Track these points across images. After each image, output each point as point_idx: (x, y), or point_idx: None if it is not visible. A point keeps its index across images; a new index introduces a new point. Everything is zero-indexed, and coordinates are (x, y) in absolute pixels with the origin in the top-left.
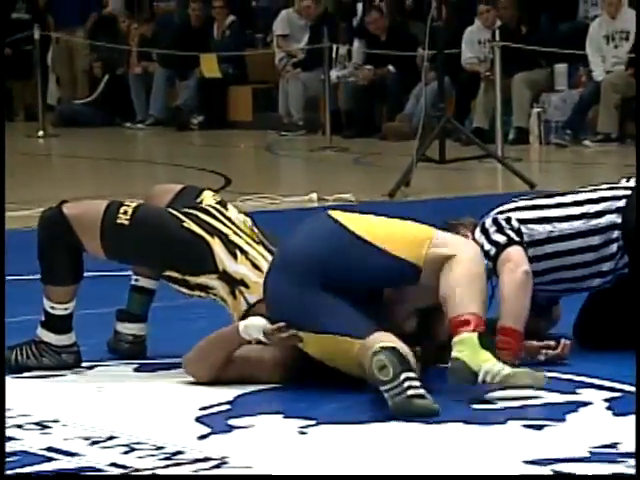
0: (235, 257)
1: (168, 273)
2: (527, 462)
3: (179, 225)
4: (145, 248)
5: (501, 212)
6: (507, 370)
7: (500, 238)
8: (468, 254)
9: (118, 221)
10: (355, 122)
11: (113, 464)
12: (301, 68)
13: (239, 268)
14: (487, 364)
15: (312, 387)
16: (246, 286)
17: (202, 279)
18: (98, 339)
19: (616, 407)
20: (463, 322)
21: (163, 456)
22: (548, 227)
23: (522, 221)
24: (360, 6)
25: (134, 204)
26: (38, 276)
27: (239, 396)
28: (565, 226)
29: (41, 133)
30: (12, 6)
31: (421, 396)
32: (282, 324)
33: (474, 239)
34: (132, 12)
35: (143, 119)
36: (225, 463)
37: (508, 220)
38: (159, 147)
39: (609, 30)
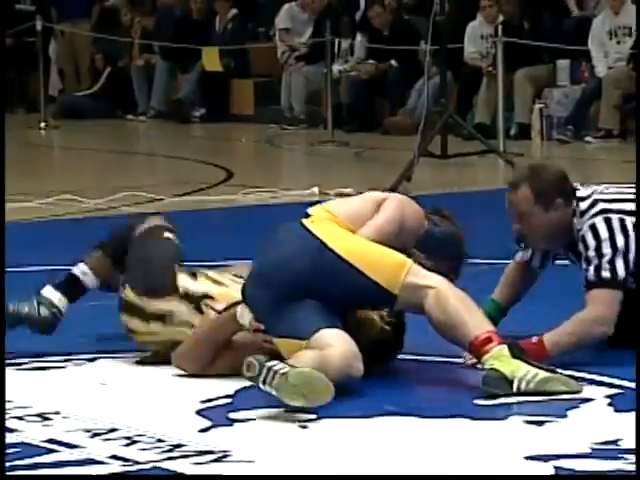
0: (195, 277)
1: (126, 292)
2: (528, 458)
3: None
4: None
5: (609, 209)
6: (541, 375)
7: (606, 267)
8: (446, 284)
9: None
10: (357, 116)
11: (114, 456)
12: (304, 62)
13: (199, 287)
14: (521, 371)
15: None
16: (211, 298)
17: (161, 303)
18: (99, 331)
19: (618, 404)
20: (485, 340)
21: (164, 449)
22: None
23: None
24: (363, 0)
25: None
26: (39, 268)
27: (240, 390)
28: None
29: (43, 125)
30: None
31: (293, 367)
32: (262, 327)
33: (560, 222)
34: (134, 4)
35: (145, 111)
36: (227, 456)
37: (623, 223)
38: (160, 140)
39: (612, 26)
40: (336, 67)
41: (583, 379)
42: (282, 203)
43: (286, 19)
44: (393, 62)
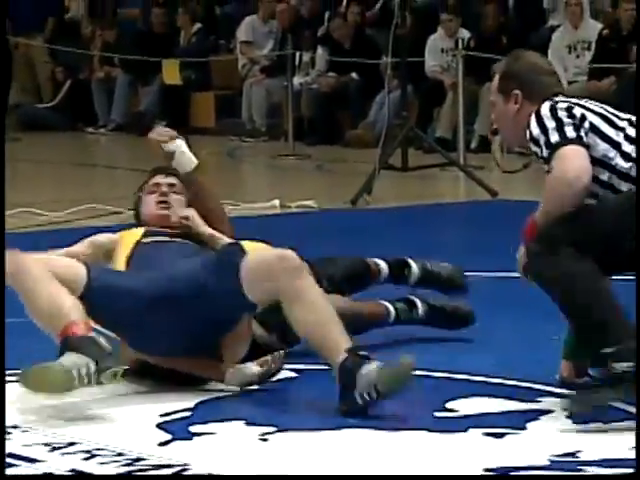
0: None
1: None
2: (488, 470)
3: None
4: None
5: (562, 100)
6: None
7: (554, 134)
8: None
9: None
10: (318, 129)
11: (73, 470)
12: (265, 74)
13: None
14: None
15: (273, 394)
16: None
17: None
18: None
19: (576, 416)
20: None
21: (124, 462)
22: (611, 153)
23: (593, 127)
24: (327, 15)
25: None
26: None
27: (200, 403)
28: (625, 165)
29: None
30: None
31: None
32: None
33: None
34: (94, 17)
35: (105, 124)
36: (187, 470)
37: (569, 110)
38: (121, 152)
39: (572, 40)
40: (297, 80)
41: (542, 391)
42: (243, 216)
43: (247, 32)
44: (354, 75)
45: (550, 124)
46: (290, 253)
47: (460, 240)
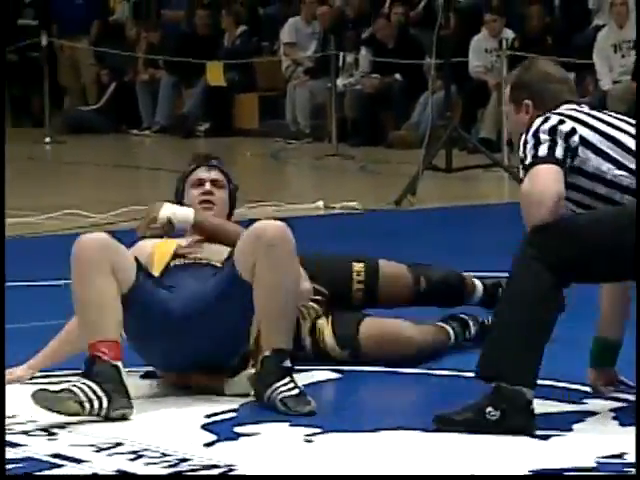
0: None
1: None
2: (534, 472)
3: None
4: None
5: (556, 112)
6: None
7: (530, 153)
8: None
9: None
10: (361, 130)
11: (119, 471)
12: (308, 76)
13: None
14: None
15: (318, 395)
16: None
17: None
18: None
19: (622, 417)
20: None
21: (170, 463)
22: (604, 167)
23: (584, 141)
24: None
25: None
26: (40, 283)
27: (245, 404)
28: (622, 174)
29: (48, 139)
30: (18, 12)
31: None
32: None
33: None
34: (139, 19)
35: (149, 126)
36: (232, 471)
37: (557, 125)
38: (165, 154)
39: (617, 40)
40: (340, 81)
41: (587, 393)
42: (287, 217)
43: (291, 33)
44: (398, 76)
45: (530, 143)
46: (272, 227)
47: (504, 241)
